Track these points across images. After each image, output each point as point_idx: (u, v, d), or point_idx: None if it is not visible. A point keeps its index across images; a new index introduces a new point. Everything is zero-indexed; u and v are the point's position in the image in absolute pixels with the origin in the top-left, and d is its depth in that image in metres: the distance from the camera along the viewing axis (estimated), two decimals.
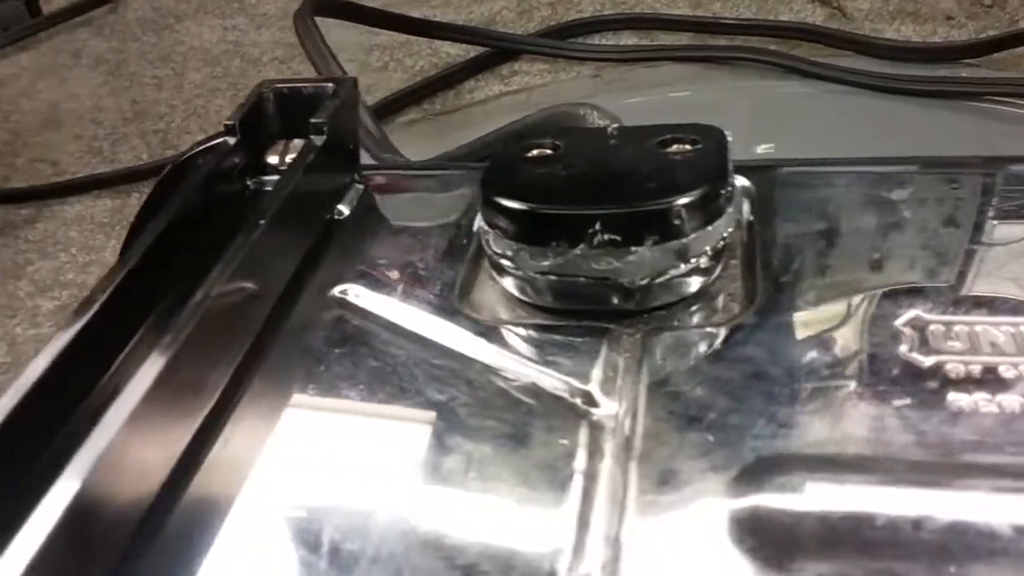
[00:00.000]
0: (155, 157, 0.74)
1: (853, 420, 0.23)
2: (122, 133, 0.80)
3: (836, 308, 0.26)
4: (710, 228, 0.27)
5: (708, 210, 0.27)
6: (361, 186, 0.34)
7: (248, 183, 0.33)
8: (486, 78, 0.76)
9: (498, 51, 0.74)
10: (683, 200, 0.26)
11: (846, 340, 0.25)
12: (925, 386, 0.23)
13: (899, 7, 0.71)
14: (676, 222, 0.26)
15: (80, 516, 0.20)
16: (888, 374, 0.24)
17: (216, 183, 0.31)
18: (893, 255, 0.28)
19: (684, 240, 0.27)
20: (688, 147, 0.29)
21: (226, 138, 0.32)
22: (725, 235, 0.28)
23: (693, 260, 0.27)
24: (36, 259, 0.66)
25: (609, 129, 0.30)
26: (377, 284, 0.30)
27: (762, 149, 0.60)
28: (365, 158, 0.52)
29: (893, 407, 0.23)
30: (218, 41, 0.92)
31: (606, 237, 0.26)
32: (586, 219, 0.26)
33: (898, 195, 0.31)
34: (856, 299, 0.27)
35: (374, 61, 0.82)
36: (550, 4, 0.84)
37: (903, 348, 0.25)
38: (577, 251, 0.26)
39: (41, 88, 0.88)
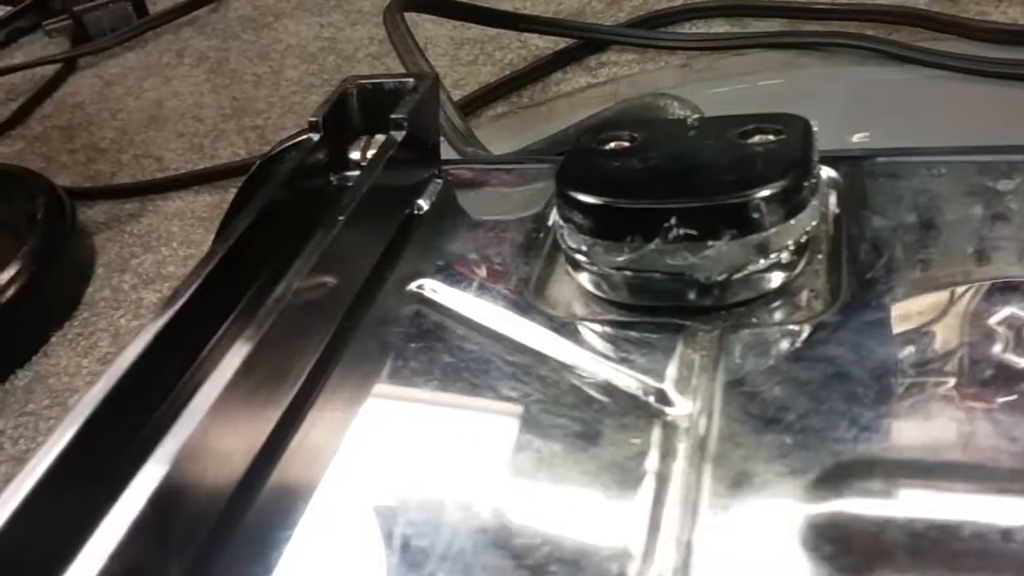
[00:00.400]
0: (253, 153, 0.76)
1: (940, 424, 0.22)
2: (221, 130, 0.82)
3: (925, 305, 0.25)
4: (792, 222, 0.26)
5: (790, 203, 0.26)
6: (441, 181, 0.34)
7: (332, 178, 0.33)
8: (573, 70, 0.75)
9: (586, 42, 0.74)
10: (762, 193, 0.25)
11: (935, 339, 0.24)
12: (1020, 389, 0.22)
13: None
14: (755, 216, 0.25)
15: (163, 504, 0.21)
16: (980, 376, 0.23)
17: (300, 179, 0.32)
18: (987, 249, 0.27)
19: (764, 234, 0.26)
20: (771, 137, 0.28)
21: (310, 135, 0.32)
22: (808, 229, 0.27)
23: (773, 255, 0.26)
24: (140, 252, 0.68)
25: (689, 120, 0.30)
26: (454, 279, 0.30)
27: (857, 139, 0.58)
28: (449, 152, 0.52)
29: (984, 411, 0.22)
30: (314, 38, 0.94)
31: (682, 232, 0.25)
32: (661, 213, 0.26)
33: (1004, 185, 0.29)
34: (947, 296, 0.26)
35: (464, 55, 0.83)
36: None
37: (997, 348, 0.23)
38: (652, 246, 0.26)
39: (146, 87, 0.92)
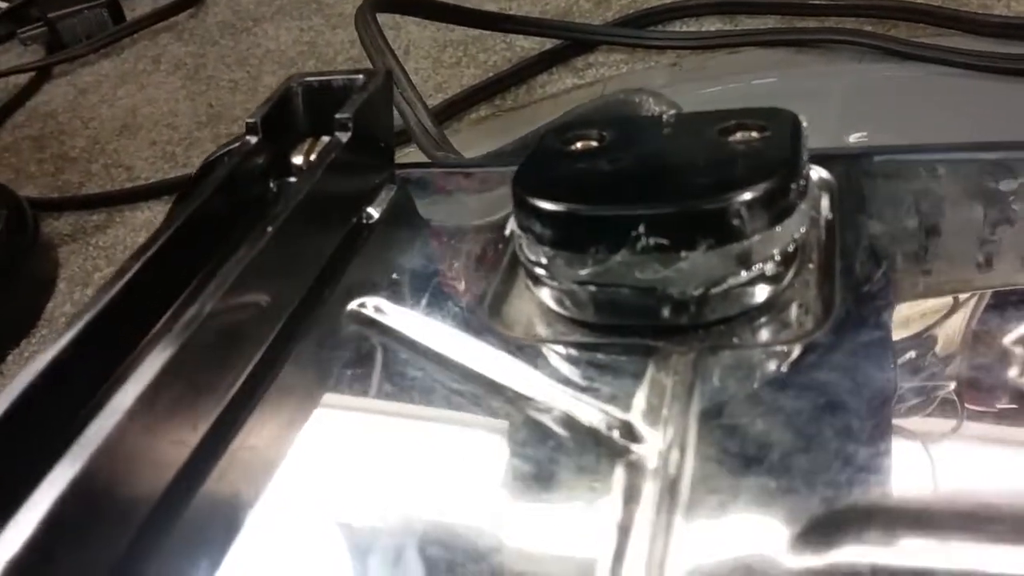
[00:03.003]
0: None
1: (947, 463, 0.19)
2: (195, 138, 0.79)
3: (928, 322, 0.22)
4: (778, 229, 0.23)
5: (775, 208, 0.23)
6: (395, 186, 0.31)
7: (271, 184, 0.30)
8: (559, 71, 0.73)
9: (573, 43, 0.71)
10: (743, 197, 0.22)
11: (940, 363, 0.21)
12: None
13: None
14: (735, 222, 0.22)
15: (79, 503, 0.19)
16: (991, 405, 0.20)
17: (236, 186, 0.29)
18: (999, 258, 0.24)
19: (745, 243, 0.23)
20: (754, 135, 0.25)
21: (247, 137, 0.29)
22: (796, 236, 0.24)
23: (757, 266, 0.23)
24: (104, 265, 0.65)
25: (664, 117, 0.26)
26: (402, 296, 0.27)
27: (855, 138, 0.55)
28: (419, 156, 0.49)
29: (997, 448, 0.19)
30: (294, 42, 0.91)
31: (651, 241, 0.22)
32: (628, 220, 0.22)
33: (1007, 185, 0.26)
34: (953, 312, 0.22)
35: (447, 58, 0.80)
36: None
37: (1012, 372, 0.20)
38: (618, 258, 0.23)
39: (121, 94, 0.89)
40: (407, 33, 0.83)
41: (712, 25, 0.70)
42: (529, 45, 0.75)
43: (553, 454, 0.21)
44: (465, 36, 0.79)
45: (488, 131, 0.67)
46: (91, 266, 0.65)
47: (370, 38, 0.52)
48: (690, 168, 0.24)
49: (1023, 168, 0.27)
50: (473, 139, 0.67)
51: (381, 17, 0.70)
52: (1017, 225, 0.25)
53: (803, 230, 0.24)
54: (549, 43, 0.73)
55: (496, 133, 0.67)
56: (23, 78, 0.94)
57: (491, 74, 0.73)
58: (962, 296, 0.23)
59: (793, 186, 0.23)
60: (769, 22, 0.67)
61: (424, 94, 0.75)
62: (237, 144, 0.30)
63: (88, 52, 0.95)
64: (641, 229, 0.22)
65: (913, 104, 0.57)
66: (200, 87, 0.87)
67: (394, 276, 0.28)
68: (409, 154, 0.56)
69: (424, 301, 0.26)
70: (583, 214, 0.23)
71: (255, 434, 0.24)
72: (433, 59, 0.80)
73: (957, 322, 0.22)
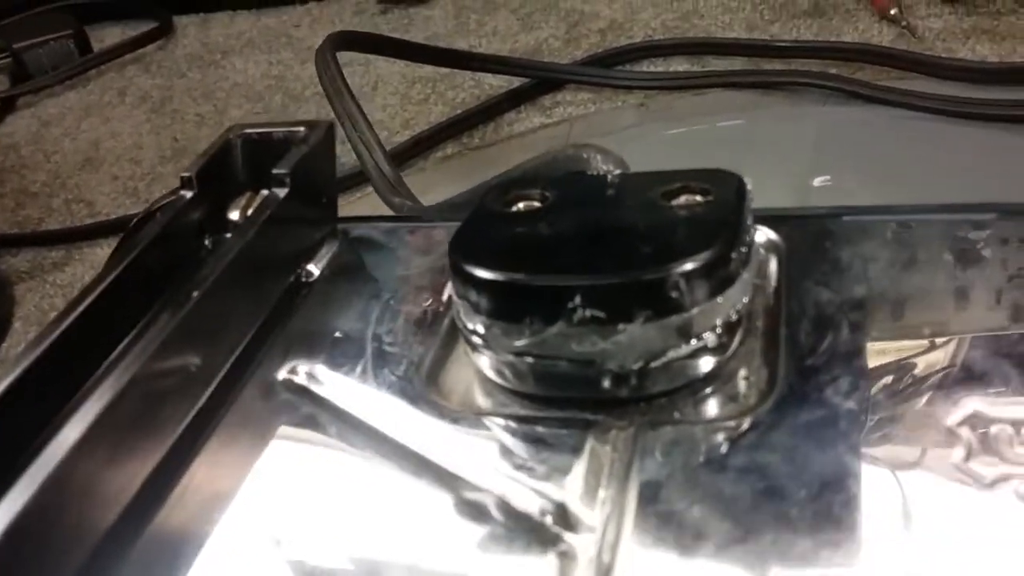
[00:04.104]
0: None
1: (893, 556, 0.18)
2: (159, 173, 0.78)
3: (873, 401, 0.21)
4: (720, 299, 0.22)
5: (715, 278, 0.22)
6: (336, 242, 0.30)
7: (206, 241, 0.29)
8: (527, 109, 0.72)
9: (540, 81, 0.70)
10: (682, 268, 0.21)
11: (882, 445, 0.20)
12: (985, 506, 0.18)
13: (975, 25, 0.65)
14: (674, 294, 0.21)
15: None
16: (937, 490, 0.19)
17: (170, 241, 0.28)
18: (949, 331, 0.23)
19: (685, 315, 0.22)
20: (698, 198, 0.24)
21: (182, 192, 0.28)
22: (739, 306, 0.23)
23: (698, 338, 0.22)
24: (60, 304, 0.64)
25: (609, 177, 0.26)
26: (337, 362, 0.26)
27: (819, 182, 0.55)
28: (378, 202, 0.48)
29: (943, 535, 0.18)
30: (262, 76, 0.90)
31: (588, 313, 0.21)
32: (564, 291, 0.21)
33: (967, 249, 0.25)
34: (899, 388, 0.22)
35: (415, 94, 0.79)
36: (600, 31, 0.80)
37: (957, 456, 0.19)
38: (554, 329, 0.22)
39: (84, 127, 0.88)
40: (376, 68, 0.82)
41: (680, 66, 0.70)
42: (498, 83, 0.75)
43: (483, 543, 0.20)
44: (435, 73, 0.79)
45: (454, 170, 0.66)
46: (47, 304, 0.64)
47: (329, 79, 0.52)
48: (630, 235, 0.23)
49: (987, 230, 0.26)
50: (438, 179, 0.66)
51: (351, 52, 0.69)
52: (969, 299, 0.24)
53: (746, 299, 0.23)
54: (517, 81, 0.73)
55: (461, 172, 0.66)
56: None
57: (459, 111, 0.73)
58: (903, 373, 0.22)
59: (734, 255, 0.22)
60: (736, 63, 0.67)
61: (391, 131, 0.75)
62: (172, 199, 0.29)
63: (53, 83, 0.93)
64: (577, 300, 0.21)
65: (878, 147, 0.57)
66: (165, 120, 0.85)
67: (331, 338, 0.27)
68: (368, 194, 0.55)
69: (360, 367, 0.25)
70: (517, 284, 0.22)
71: (180, 505, 0.22)
72: (401, 95, 0.79)
73: (895, 401, 0.21)
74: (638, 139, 0.62)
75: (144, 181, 0.77)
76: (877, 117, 0.58)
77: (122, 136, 0.84)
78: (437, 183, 0.64)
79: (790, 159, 0.57)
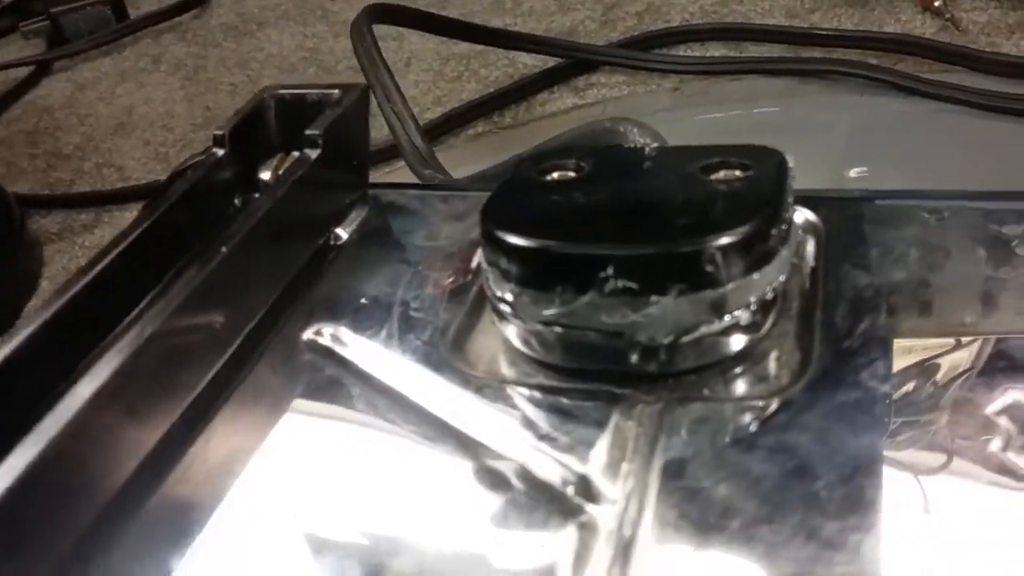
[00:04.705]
0: None
1: (923, 542, 0.17)
2: (190, 139, 0.78)
3: (909, 386, 0.21)
4: (756, 276, 0.22)
5: (753, 254, 0.21)
6: (367, 208, 0.30)
7: (236, 200, 0.29)
8: (560, 90, 0.71)
9: (575, 62, 0.70)
10: (718, 241, 0.21)
11: (917, 431, 0.20)
12: (1020, 499, 0.18)
13: (1020, 19, 0.63)
14: (708, 268, 0.21)
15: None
16: (973, 479, 0.18)
17: (199, 199, 0.28)
18: (990, 318, 0.23)
19: (720, 290, 0.21)
20: (737, 173, 0.24)
21: (214, 150, 0.28)
22: (775, 284, 0.22)
23: (732, 315, 0.22)
24: None
25: (646, 150, 0.25)
26: (362, 325, 0.25)
27: (855, 173, 0.54)
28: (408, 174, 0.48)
29: (972, 526, 0.17)
30: (296, 48, 0.90)
31: (620, 284, 0.21)
32: (596, 260, 0.21)
33: (1008, 234, 0.25)
34: (936, 375, 0.21)
35: (449, 71, 0.79)
36: (637, 14, 0.79)
37: (995, 445, 0.19)
38: (585, 299, 0.21)
39: (119, 93, 0.88)
40: (410, 44, 0.82)
41: (716, 51, 0.69)
42: (531, 62, 0.74)
43: (504, 510, 0.19)
44: (468, 50, 0.78)
45: (484, 148, 0.66)
46: (75, 266, 0.64)
47: (364, 50, 0.51)
48: (666, 207, 0.23)
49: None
50: (468, 156, 0.66)
51: (385, 27, 0.69)
52: (1010, 285, 0.24)
53: (783, 278, 0.23)
54: (552, 61, 0.72)
55: (492, 150, 0.66)
56: (22, 72, 0.93)
57: (492, 89, 0.72)
58: (940, 359, 0.21)
59: (774, 232, 0.22)
60: (774, 50, 0.66)
61: (423, 107, 0.74)
62: (203, 157, 0.29)
63: (89, 48, 0.94)
64: (610, 270, 0.21)
65: (915, 140, 0.56)
66: (199, 89, 0.86)
67: (358, 302, 0.26)
68: (399, 169, 0.55)
69: (385, 332, 0.25)
70: (549, 251, 0.22)
71: (197, 464, 0.22)
72: (435, 72, 0.79)
73: (932, 387, 0.21)
74: (671, 122, 0.61)
75: (175, 148, 0.77)
76: (916, 109, 0.57)
77: (155, 103, 0.84)
78: (467, 160, 0.64)
79: (826, 149, 0.56)
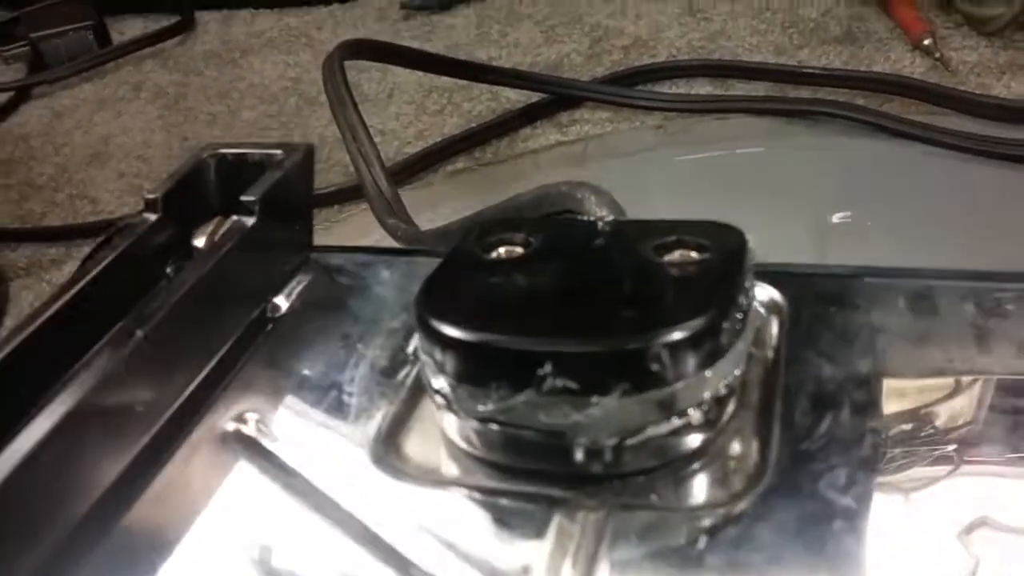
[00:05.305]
0: None
1: None
2: (165, 171, 0.77)
3: (873, 501, 0.19)
4: (708, 373, 0.20)
5: (704, 349, 0.20)
6: (310, 274, 0.28)
7: (168, 269, 0.27)
8: (543, 125, 0.70)
9: (559, 97, 0.68)
10: (666, 338, 0.19)
11: (877, 556, 0.18)
12: None
13: (1012, 59, 0.62)
14: (655, 367, 0.19)
15: None
16: None
17: (128, 268, 0.26)
18: (966, 420, 0.21)
19: (668, 389, 0.20)
20: (693, 255, 0.22)
21: (145, 214, 0.27)
22: (730, 380, 0.21)
23: (682, 415, 0.20)
24: None
25: (599, 224, 0.24)
26: (292, 411, 0.24)
27: (838, 218, 0.52)
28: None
29: None
30: (278, 77, 0.89)
31: (559, 383, 0.19)
32: (533, 357, 0.19)
33: (995, 324, 0.23)
34: (899, 490, 0.19)
35: (431, 104, 0.77)
36: (623, 48, 0.78)
37: (965, 569, 0.17)
38: (522, 397, 0.20)
39: (96, 121, 0.86)
40: (394, 76, 0.80)
41: (702, 88, 0.67)
42: (515, 96, 0.73)
43: None
44: (451, 83, 0.77)
45: (462, 186, 0.64)
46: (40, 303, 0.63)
47: (333, 88, 0.50)
48: (612, 296, 0.21)
49: (1014, 303, 0.23)
50: (445, 193, 0.64)
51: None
52: (994, 376, 0.22)
53: (739, 372, 0.21)
54: (536, 96, 0.71)
55: (470, 188, 0.64)
56: (1, 98, 0.91)
57: (474, 124, 0.71)
58: (906, 468, 0.20)
59: (727, 325, 0.20)
60: (760, 89, 0.65)
61: (404, 140, 0.73)
62: (134, 220, 0.27)
63: (70, 75, 0.93)
64: (548, 368, 0.19)
65: (902, 184, 0.55)
66: (177, 118, 0.84)
67: (289, 383, 0.25)
68: (365, 210, 0.53)
69: (317, 419, 0.23)
70: (485, 345, 0.20)
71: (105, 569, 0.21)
72: (417, 104, 0.77)
73: (894, 504, 0.19)
74: (653, 163, 0.60)
75: (150, 179, 0.75)
76: (903, 152, 0.56)
77: (133, 132, 0.83)
78: (444, 198, 0.62)
79: (810, 192, 0.55)
